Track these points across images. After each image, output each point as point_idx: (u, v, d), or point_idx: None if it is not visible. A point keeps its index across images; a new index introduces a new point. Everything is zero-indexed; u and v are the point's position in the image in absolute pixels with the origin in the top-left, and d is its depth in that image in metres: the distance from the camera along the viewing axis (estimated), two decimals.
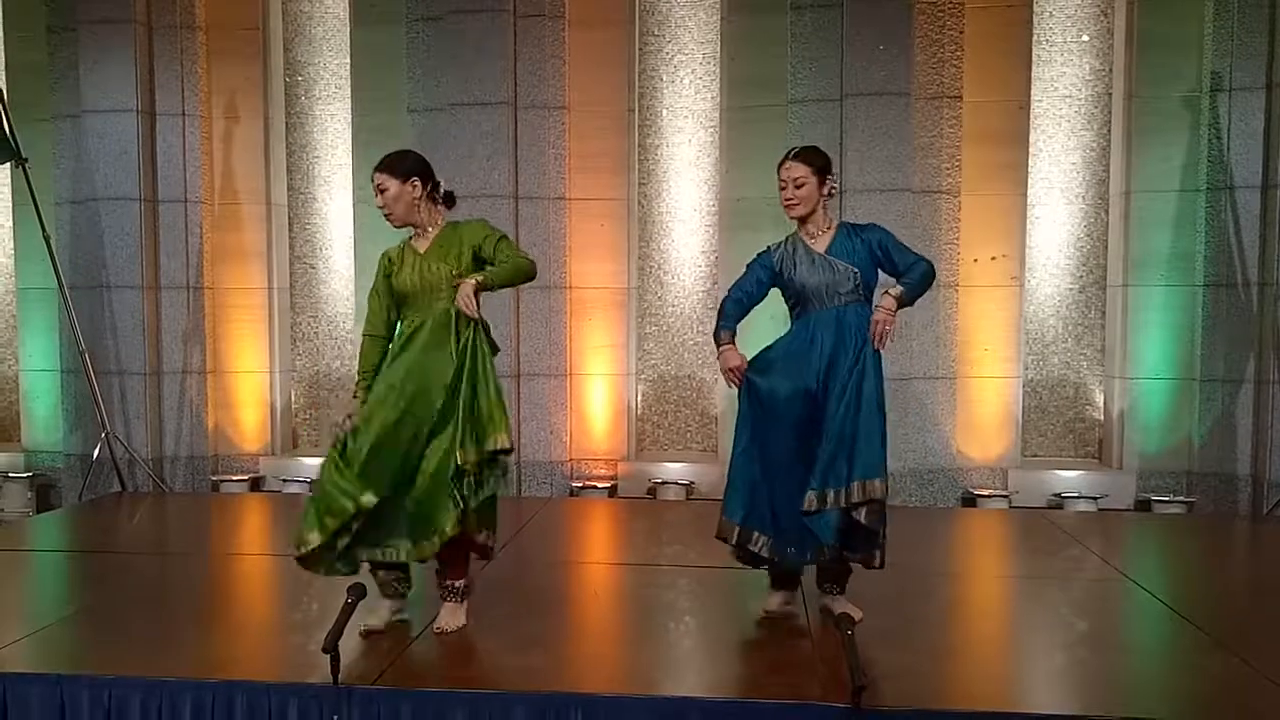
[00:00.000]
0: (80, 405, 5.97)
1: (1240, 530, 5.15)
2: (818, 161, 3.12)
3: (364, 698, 2.58)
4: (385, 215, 3.11)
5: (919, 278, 3.08)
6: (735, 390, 3.19)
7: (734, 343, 3.16)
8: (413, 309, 3.08)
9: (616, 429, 5.96)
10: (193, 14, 6.00)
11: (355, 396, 3.11)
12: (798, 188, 3.10)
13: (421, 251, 3.09)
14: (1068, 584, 3.84)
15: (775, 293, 3.25)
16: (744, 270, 3.27)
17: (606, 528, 5.08)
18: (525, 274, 3.03)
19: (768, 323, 3.53)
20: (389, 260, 3.15)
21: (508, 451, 3.00)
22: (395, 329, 3.13)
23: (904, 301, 3.06)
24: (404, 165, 3.09)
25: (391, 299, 3.11)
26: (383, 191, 3.06)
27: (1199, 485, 5.54)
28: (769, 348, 3.21)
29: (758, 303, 3.26)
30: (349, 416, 3.06)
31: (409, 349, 3.04)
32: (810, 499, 3.00)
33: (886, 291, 3.05)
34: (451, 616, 3.13)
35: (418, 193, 3.08)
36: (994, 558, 4.65)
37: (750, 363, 3.15)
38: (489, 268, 2.98)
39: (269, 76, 6.18)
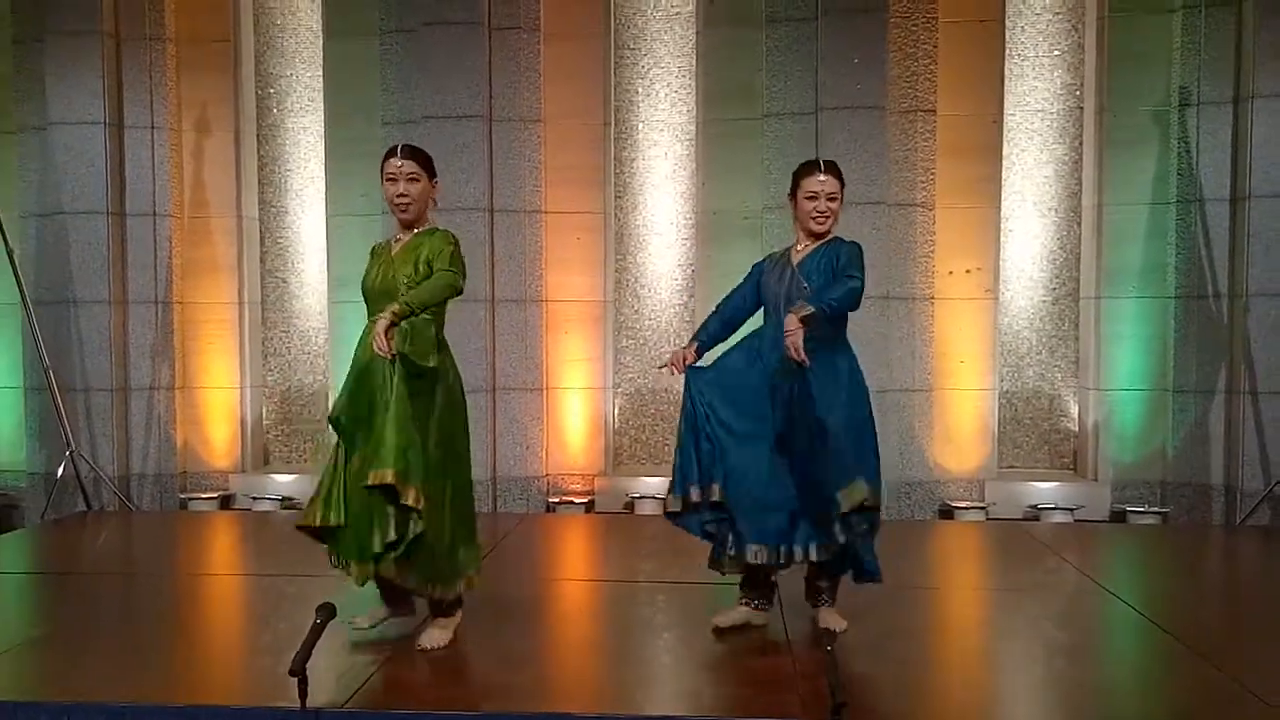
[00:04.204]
0: (44, 423, 5.84)
1: (1215, 540, 5.18)
2: (843, 177, 3.08)
3: None
4: (403, 206, 2.97)
5: (836, 296, 2.90)
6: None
7: (694, 352, 3.13)
8: (372, 309, 3.02)
9: (593, 444, 5.91)
10: (162, 26, 5.91)
11: None
12: (830, 200, 3.02)
13: (393, 255, 3.03)
14: (1045, 595, 3.84)
15: None
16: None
17: (583, 544, 5.02)
18: (449, 290, 2.88)
19: None
20: (373, 254, 3.12)
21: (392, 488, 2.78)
22: None
23: (810, 319, 2.83)
24: (432, 164, 3.06)
25: None
26: (413, 181, 2.96)
27: (1173, 495, 5.57)
28: (719, 359, 3.19)
29: (748, 314, 3.22)
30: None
31: (359, 358, 2.99)
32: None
33: (791, 310, 2.87)
34: (438, 633, 3.05)
35: (435, 194, 3.09)
36: (972, 570, 4.65)
37: (697, 366, 3.13)
38: (409, 296, 2.82)
39: (240, 89, 6.11)
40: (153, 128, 5.90)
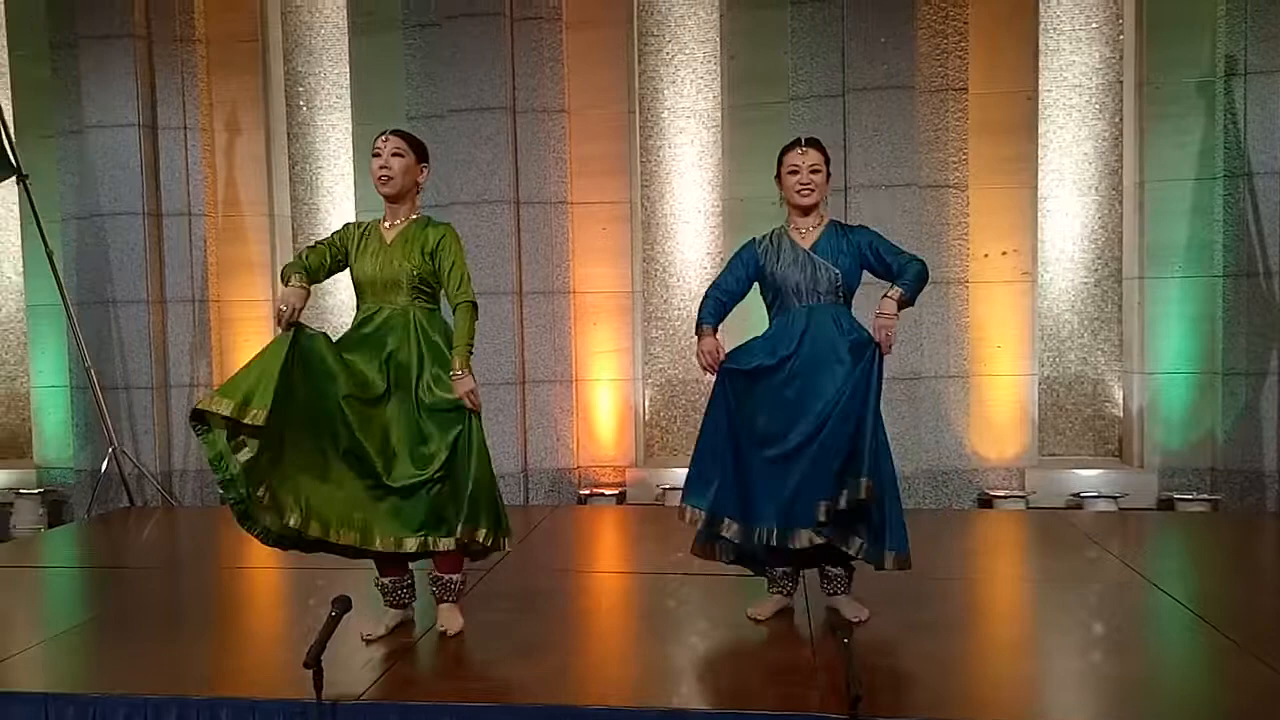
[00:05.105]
0: (90, 421, 5.98)
1: (1268, 529, 4.97)
2: (826, 152, 3.11)
3: (350, 713, 2.52)
4: (384, 178, 2.99)
5: (915, 277, 2.98)
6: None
7: (714, 334, 3.11)
8: (369, 297, 3.05)
9: (624, 435, 5.88)
10: (192, 27, 6.00)
11: (289, 282, 2.94)
12: (814, 173, 3.05)
13: (388, 242, 3.04)
14: (1086, 587, 3.71)
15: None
16: (728, 262, 3.22)
17: (613, 535, 5.00)
18: (475, 320, 3.01)
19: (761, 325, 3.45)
20: (349, 231, 3.10)
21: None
22: (320, 278, 3.06)
23: (905, 302, 2.96)
24: (422, 148, 3.10)
25: (330, 261, 3.05)
26: (397, 156, 2.99)
27: (1224, 482, 5.37)
28: (746, 343, 3.15)
29: (740, 298, 3.21)
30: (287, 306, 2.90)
31: (367, 341, 3.02)
32: (820, 509, 2.93)
33: (886, 294, 2.95)
34: (451, 617, 3.09)
35: (423, 179, 3.10)
36: (1010, 560, 4.52)
37: (729, 354, 3.10)
38: (461, 348, 2.96)
39: (269, 88, 6.18)
40: (185, 128, 6.01)
